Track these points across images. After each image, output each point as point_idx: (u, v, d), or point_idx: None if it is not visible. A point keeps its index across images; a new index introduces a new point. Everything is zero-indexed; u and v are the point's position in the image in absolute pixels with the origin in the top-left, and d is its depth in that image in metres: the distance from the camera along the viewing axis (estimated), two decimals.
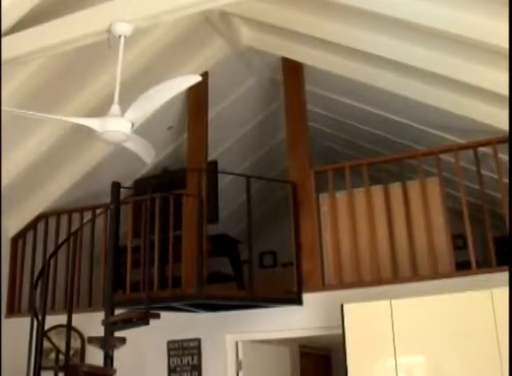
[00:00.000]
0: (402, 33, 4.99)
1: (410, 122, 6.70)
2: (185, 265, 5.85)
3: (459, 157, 5.50)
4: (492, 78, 5.00)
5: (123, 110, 3.87)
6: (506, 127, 5.18)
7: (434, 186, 5.61)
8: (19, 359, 4.94)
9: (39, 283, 5.20)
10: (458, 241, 5.82)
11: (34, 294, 5.13)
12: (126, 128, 3.86)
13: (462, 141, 6.09)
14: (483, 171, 5.48)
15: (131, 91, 3.98)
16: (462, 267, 5.31)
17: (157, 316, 4.96)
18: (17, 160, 5.98)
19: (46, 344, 5.10)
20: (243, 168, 8.01)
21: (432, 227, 5.47)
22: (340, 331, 4.80)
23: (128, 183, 7.05)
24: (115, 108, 3.92)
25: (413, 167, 5.96)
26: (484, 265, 5.46)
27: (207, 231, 5.68)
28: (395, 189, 5.71)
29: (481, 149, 5.57)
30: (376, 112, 6.82)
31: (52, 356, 5.55)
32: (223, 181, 7.33)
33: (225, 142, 7.65)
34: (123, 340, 5.08)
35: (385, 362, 4.62)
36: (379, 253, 5.55)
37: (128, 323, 5.05)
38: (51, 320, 5.54)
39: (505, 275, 4.68)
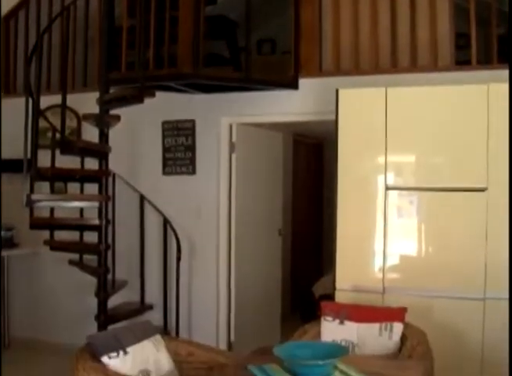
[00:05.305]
0: None
1: None
2: (182, 47, 5.68)
3: None
4: None
5: None
6: None
7: None
8: (17, 139, 4.92)
9: (33, 60, 5.10)
10: (461, 40, 5.70)
11: (29, 71, 5.04)
12: None
13: None
14: None
15: None
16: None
17: (152, 95, 4.95)
18: None
19: (42, 123, 5.09)
20: None
21: (436, 19, 5.30)
22: (333, 118, 4.77)
23: None
24: None
25: None
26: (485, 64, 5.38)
27: (205, 12, 5.51)
28: None
29: None
30: None
31: (49, 135, 5.58)
32: None
33: None
34: (118, 117, 5.11)
35: (376, 153, 4.66)
36: (379, 42, 5.43)
37: (122, 100, 5.05)
38: (47, 101, 5.46)
39: (504, 72, 4.59)
